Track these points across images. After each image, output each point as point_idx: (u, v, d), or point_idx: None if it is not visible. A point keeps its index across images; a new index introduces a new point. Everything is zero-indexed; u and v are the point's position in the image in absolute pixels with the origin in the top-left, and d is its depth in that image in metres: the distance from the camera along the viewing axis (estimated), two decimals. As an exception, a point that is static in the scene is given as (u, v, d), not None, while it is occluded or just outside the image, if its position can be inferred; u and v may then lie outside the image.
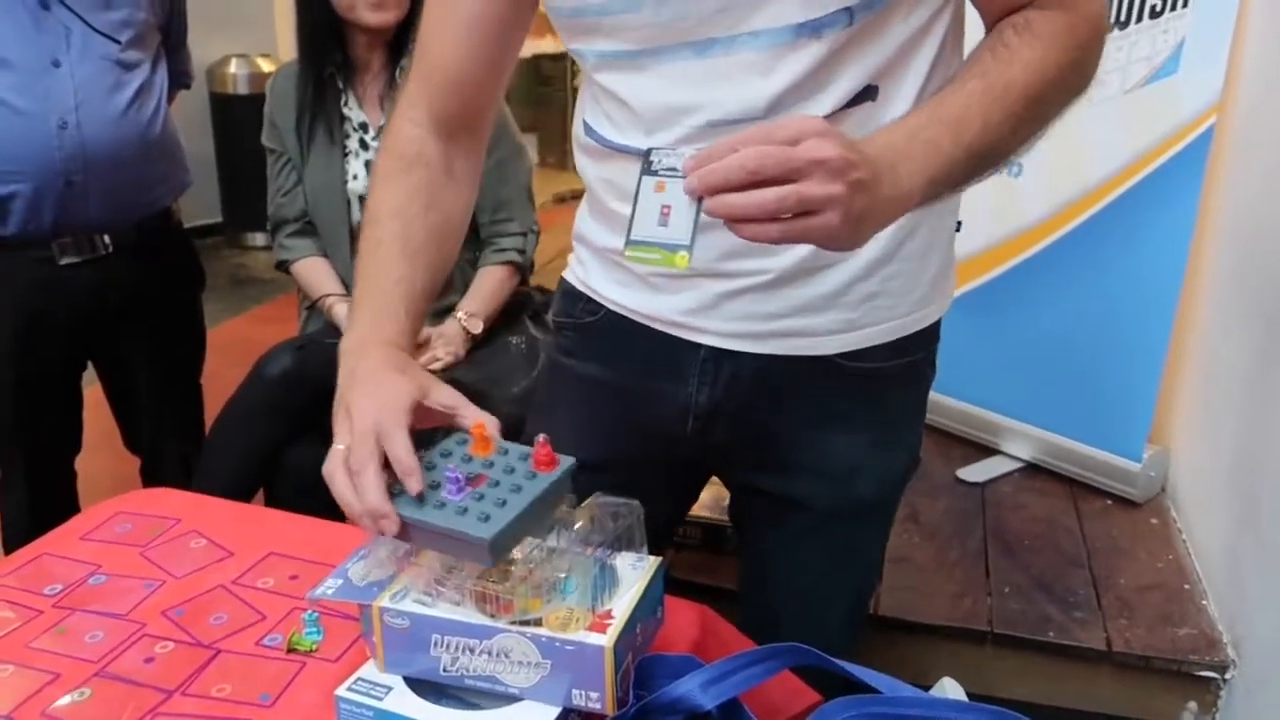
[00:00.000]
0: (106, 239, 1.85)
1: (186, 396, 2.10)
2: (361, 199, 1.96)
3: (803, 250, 0.92)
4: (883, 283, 0.96)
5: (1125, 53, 2.14)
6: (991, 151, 0.80)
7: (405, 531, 0.78)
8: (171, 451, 2.08)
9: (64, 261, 1.83)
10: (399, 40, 1.94)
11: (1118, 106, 2.16)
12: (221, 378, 2.13)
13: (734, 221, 0.68)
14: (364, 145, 2.00)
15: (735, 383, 1.00)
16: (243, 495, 1.86)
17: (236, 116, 4.76)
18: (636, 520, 0.83)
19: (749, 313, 0.96)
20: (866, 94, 0.87)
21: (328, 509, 1.90)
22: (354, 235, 1.94)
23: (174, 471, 2.04)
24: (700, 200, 0.68)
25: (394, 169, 0.98)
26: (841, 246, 0.73)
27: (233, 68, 4.87)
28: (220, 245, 4.98)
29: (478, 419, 0.83)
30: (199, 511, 1.21)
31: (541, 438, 0.82)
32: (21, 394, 1.90)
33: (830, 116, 0.86)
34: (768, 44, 0.84)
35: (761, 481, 1.06)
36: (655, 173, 0.71)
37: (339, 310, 1.96)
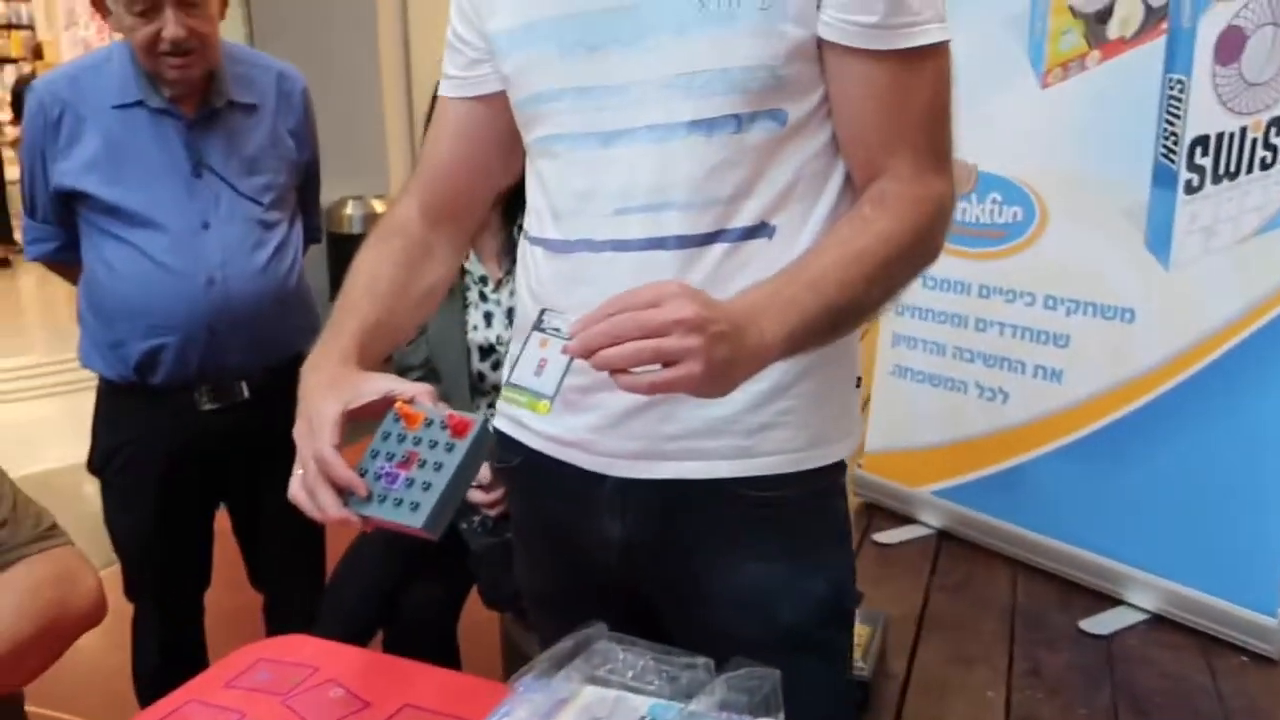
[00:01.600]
0: (244, 385, 1.95)
1: (309, 537, 2.16)
2: (480, 349, 2.04)
3: None
4: (776, 415, 1.00)
5: (1236, 203, 2.16)
6: (849, 308, 0.88)
7: (369, 521, 0.91)
8: (294, 590, 2.14)
9: (205, 408, 1.93)
10: (515, 200, 2.05)
11: (1231, 256, 2.16)
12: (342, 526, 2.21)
13: (609, 372, 0.78)
14: (483, 297, 2.10)
15: (643, 513, 1.05)
16: (363, 636, 1.92)
17: (351, 255, 4.94)
18: (773, 688, 0.86)
19: (649, 432, 1.01)
20: (763, 230, 0.96)
21: (443, 651, 1.95)
22: (473, 382, 2.03)
23: (296, 610, 2.10)
24: (569, 361, 0.81)
25: (377, 238, 1.12)
26: (710, 393, 0.81)
27: (349, 209, 5.13)
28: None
29: (399, 397, 0.93)
30: (335, 660, 1.25)
31: (446, 409, 0.91)
32: (162, 534, 1.99)
33: (731, 249, 0.95)
34: (663, 137, 0.93)
35: (688, 614, 1.09)
36: (544, 330, 0.85)
37: (457, 454, 2.04)
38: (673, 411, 1.01)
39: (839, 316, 0.88)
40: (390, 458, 0.93)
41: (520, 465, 1.16)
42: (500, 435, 1.19)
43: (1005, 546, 2.59)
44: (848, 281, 0.87)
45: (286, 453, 2.26)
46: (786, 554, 1.05)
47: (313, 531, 2.18)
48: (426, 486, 0.89)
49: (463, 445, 0.91)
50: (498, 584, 1.92)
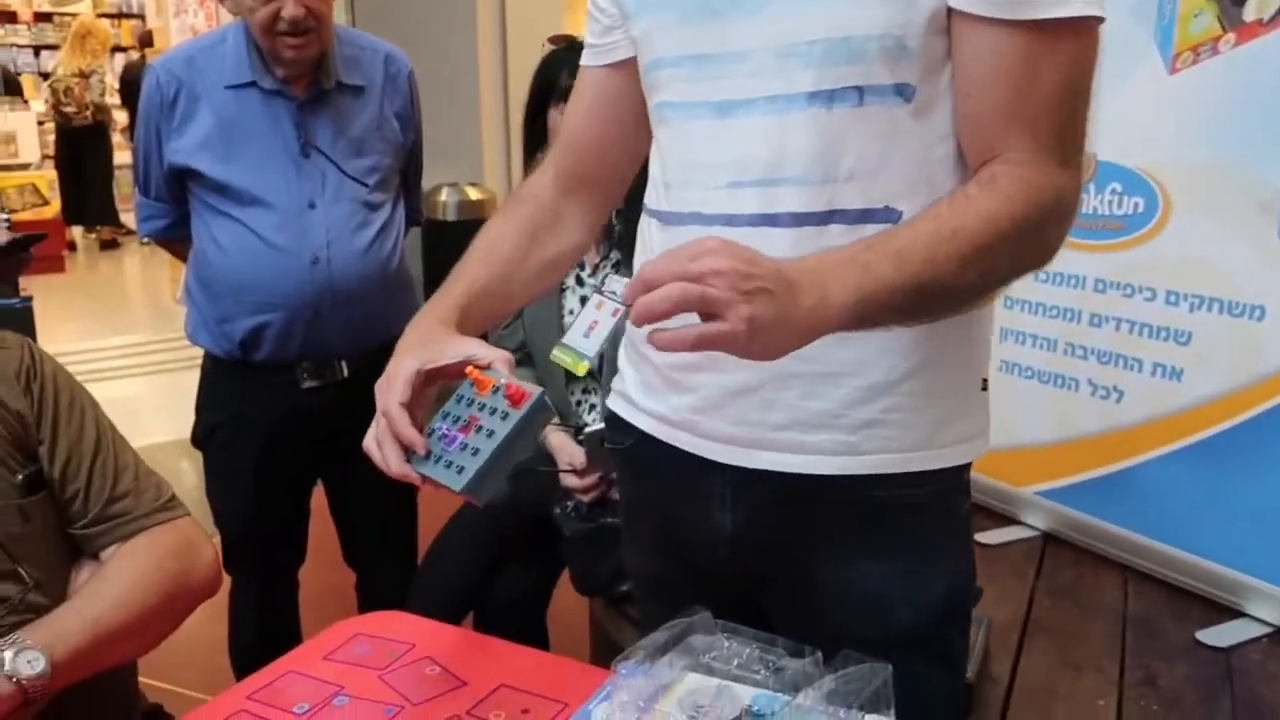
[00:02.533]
0: (344, 364, 1.98)
1: (403, 518, 2.20)
2: (578, 333, 2.05)
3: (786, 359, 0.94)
4: (882, 412, 0.98)
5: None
6: (934, 288, 0.83)
7: (428, 481, 0.94)
8: (386, 570, 2.18)
9: (306, 385, 1.97)
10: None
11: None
12: (436, 498, 2.26)
13: (651, 322, 0.78)
14: (580, 282, 2.10)
15: (753, 506, 1.04)
16: (456, 616, 1.95)
17: (446, 241, 5.00)
18: (884, 683, 0.84)
19: (752, 419, 1.00)
20: (886, 214, 0.92)
21: (532, 635, 1.98)
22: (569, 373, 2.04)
23: (388, 589, 2.14)
24: (616, 323, 0.79)
25: (507, 206, 1.15)
26: (757, 354, 0.79)
27: (444, 195, 5.20)
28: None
29: (476, 362, 0.95)
30: (432, 638, 1.27)
31: (506, 379, 0.93)
32: (261, 509, 2.04)
33: (848, 231, 0.92)
34: (782, 108, 0.91)
35: (797, 610, 1.07)
36: (602, 292, 0.84)
37: (552, 439, 2.04)
38: (774, 399, 1.00)
39: (921, 295, 0.83)
40: (455, 421, 0.96)
41: (632, 448, 1.16)
42: (612, 417, 1.19)
43: (1115, 551, 2.51)
44: (936, 259, 0.83)
45: None
46: (904, 553, 1.03)
47: (405, 511, 2.21)
48: (475, 452, 0.92)
49: (516, 415, 0.92)
50: (590, 570, 1.93)
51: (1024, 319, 2.72)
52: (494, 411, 0.94)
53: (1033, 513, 2.73)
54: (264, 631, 2.12)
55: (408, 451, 0.95)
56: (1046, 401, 2.67)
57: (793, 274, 0.80)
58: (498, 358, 0.96)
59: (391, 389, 0.95)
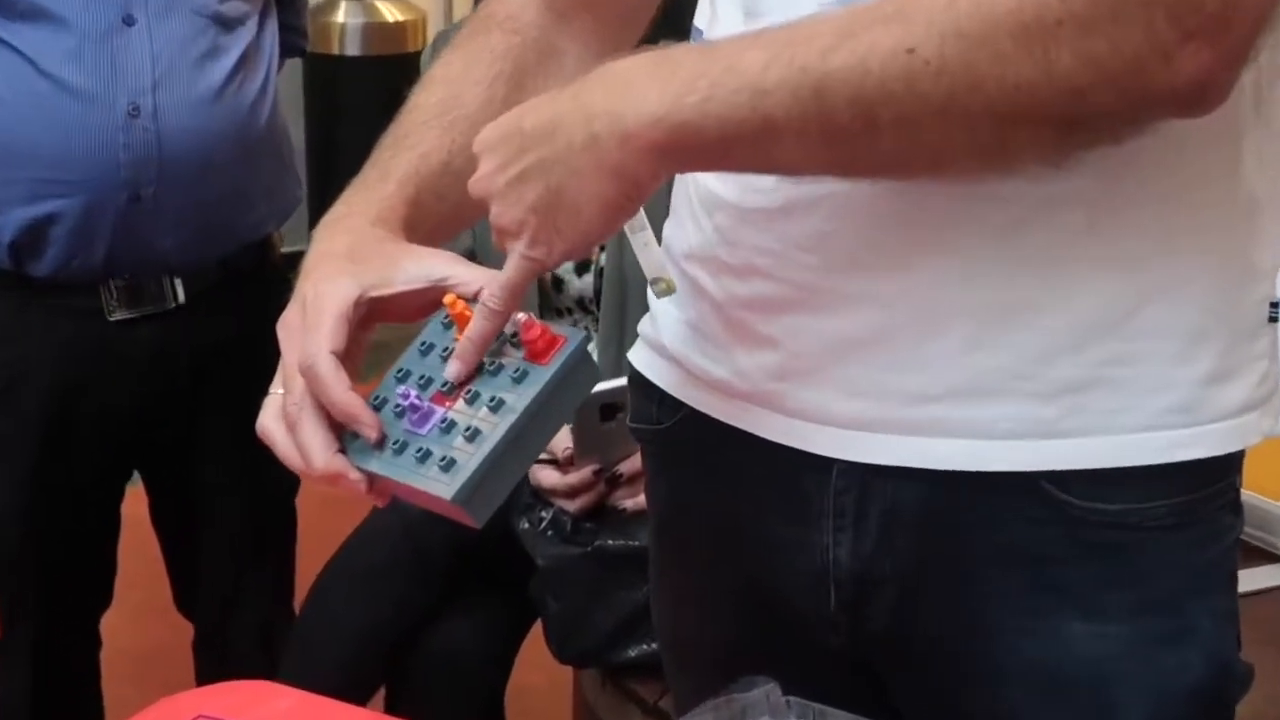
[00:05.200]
0: (179, 285, 1.99)
1: (276, 533, 2.20)
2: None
3: (930, 269, 0.96)
4: (1099, 367, 0.97)
5: None
6: (849, 99, 0.82)
7: (377, 484, 0.94)
8: (247, 616, 2.18)
9: (117, 317, 1.97)
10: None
11: None
12: (328, 507, 2.25)
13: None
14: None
15: (894, 526, 1.03)
16: (357, 691, 1.94)
17: (345, 86, 5.02)
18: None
19: (879, 385, 1.00)
20: None
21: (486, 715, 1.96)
22: (544, 290, 2.05)
23: (248, 648, 2.15)
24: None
25: (471, 30, 1.17)
26: (555, 248, 0.91)
27: (341, 14, 5.12)
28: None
29: (455, 289, 0.96)
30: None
31: (524, 315, 0.94)
32: (40, 520, 2.03)
33: None
34: None
35: (952, 694, 1.07)
36: None
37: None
38: (916, 351, 0.99)
39: (823, 113, 0.83)
40: (425, 384, 0.95)
41: (672, 431, 1.16)
42: (638, 381, 1.20)
43: None
44: (856, 45, 0.81)
45: (244, 396, 2.31)
46: (1136, 608, 1.02)
47: (278, 528, 2.21)
48: (473, 436, 0.91)
49: (542, 376, 0.92)
50: (577, 623, 1.92)
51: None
52: (498, 370, 0.94)
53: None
54: (45, 709, 2.11)
55: (342, 436, 0.95)
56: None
57: (556, 108, 0.90)
58: (491, 283, 0.95)
59: (314, 330, 0.95)
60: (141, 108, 1.89)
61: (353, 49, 5.06)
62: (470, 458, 0.90)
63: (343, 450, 0.94)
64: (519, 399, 0.91)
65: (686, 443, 1.16)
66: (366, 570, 2.01)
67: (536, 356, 0.93)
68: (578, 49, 1.18)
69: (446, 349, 0.96)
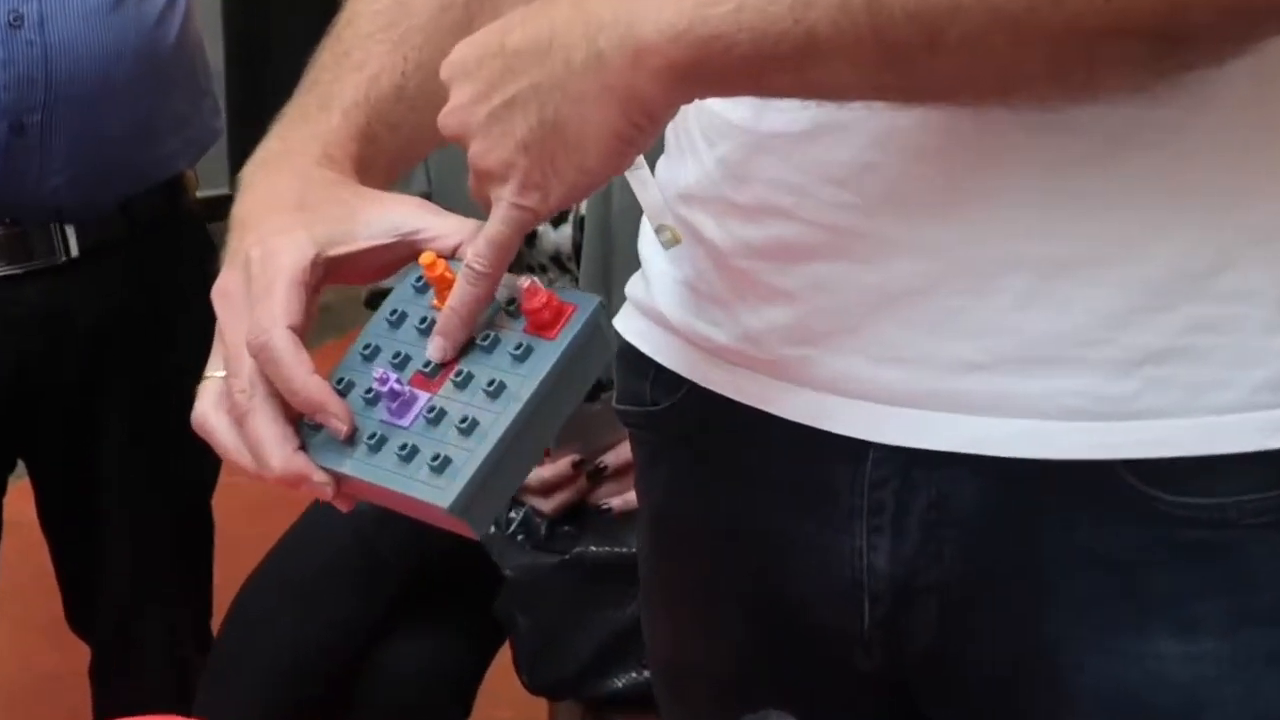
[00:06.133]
0: (71, 234, 1.97)
1: (190, 536, 2.19)
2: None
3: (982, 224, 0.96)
4: (1182, 333, 0.96)
5: None
6: (921, 14, 0.82)
7: (344, 487, 0.93)
8: (155, 636, 2.18)
9: (-4, 273, 1.96)
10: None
11: None
12: (253, 506, 2.23)
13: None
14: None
15: (942, 525, 1.03)
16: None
17: (266, 5, 5.00)
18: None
19: (916, 350, 0.99)
20: None
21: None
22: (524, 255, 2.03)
23: (155, 675, 2.14)
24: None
25: None
26: (552, 195, 0.89)
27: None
28: (226, 239, 5.14)
29: (431, 246, 0.96)
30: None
31: (528, 279, 0.93)
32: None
33: None
34: None
35: None
36: None
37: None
38: (963, 309, 0.98)
39: (890, 25, 0.82)
40: (401, 364, 0.94)
41: (670, 412, 1.15)
42: (628, 353, 1.19)
43: None
44: None
45: (151, 369, 2.30)
46: (1234, 620, 1.00)
47: (195, 522, 2.21)
48: (470, 428, 0.89)
49: (551, 353, 0.91)
50: (551, 644, 1.93)
51: None
52: (493, 344, 0.92)
53: None
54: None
55: (300, 429, 0.94)
56: None
57: (550, 19, 0.88)
58: (473, 237, 0.95)
59: (264, 298, 0.93)
60: (25, 16, 1.88)
61: None
62: (469, 456, 0.88)
63: (302, 447, 0.93)
64: (524, 382, 0.90)
65: (686, 427, 1.15)
66: (301, 581, 2.00)
67: (541, 329, 0.92)
68: None
69: (424, 319, 0.95)
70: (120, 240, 2.02)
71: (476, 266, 0.91)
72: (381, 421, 0.92)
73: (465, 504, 0.87)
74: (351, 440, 0.92)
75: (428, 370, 0.92)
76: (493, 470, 0.88)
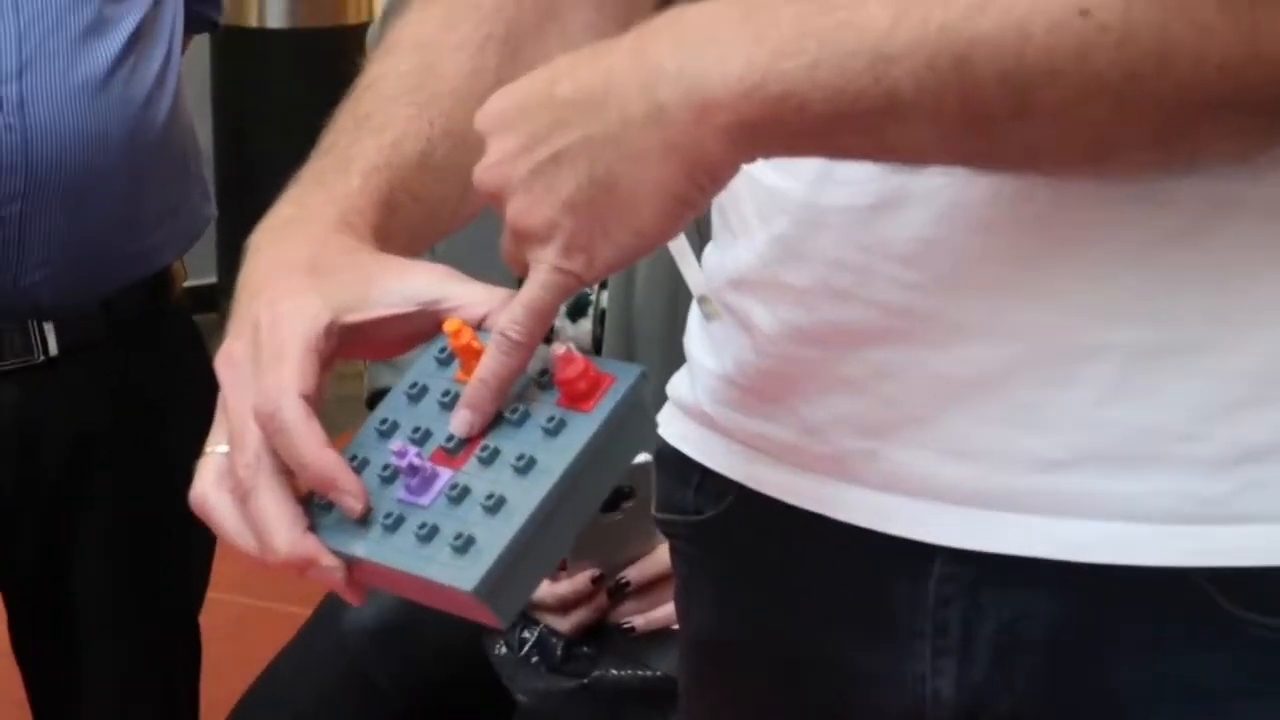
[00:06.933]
0: (50, 332, 1.94)
1: (174, 658, 2.15)
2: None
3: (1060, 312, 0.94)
4: None
5: None
6: (1013, 78, 0.80)
7: (356, 572, 0.90)
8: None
9: (-31, 374, 1.93)
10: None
11: None
12: (242, 625, 2.19)
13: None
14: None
15: (1015, 647, 1.00)
16: None
17: (266, 75, 5.00)
18: None
19: (988, 445, 0.97)
20: None
21: None
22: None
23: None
24: None
25: None
26: (597, 263, 0.87)
27: (260, -19, 5.13)
28: (215, 332, 5.04)
29: (456, 314, 0.93)
30: None
31: (564, 347, 0.91)
32: None
33: None
34: None
35: None
36: None
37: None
38: (1042, 401, 0.95)
39: (963, 86, 0.81)
40: (422, 439, 0.91)
41: (714, 522, 1.13)
42: (670, 455, 1.18)
43: None
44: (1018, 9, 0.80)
45: (135, 473, 2.23)
46: None
47: (180, 643, 2.15)
48: (496, 506, 0.87)
49: (587, 427, 0.89)
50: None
51: None
52: (522, 419, 0.90)
53: None
54: None
55: (309, 508, 0.91)
56: None
57: (607, 66, 0.86)
58: (505, 305, 0.92)
59: (274, 365, 0.91)
60: (3, 98, 1.85)
61: (276, 20, 5.08)
62: (495, 535, 0.86)
63: (311, 528, 0.90)
64: (557, 458, 0.88)
65: (734, 538, 1.13)
66: (294, 712, 1.96)
67: (576, 401, 0.90)
68: (588, 10, 1.16)
69: (447, 393, 0.93)
70: (102, 338, 2.00)
71: (512, 335, 0.89)
72: (399, 500, 0.90)
73: (491, 587, 0.85)
74: (366, 521, 0.90)
75: (451, 446, 0.91)
76: (521, 552, 0.86)
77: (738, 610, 1.16)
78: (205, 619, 2.19)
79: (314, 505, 0.91)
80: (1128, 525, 0.96)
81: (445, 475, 0.90)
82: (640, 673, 1.80)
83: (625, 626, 1.86)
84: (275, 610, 2.05)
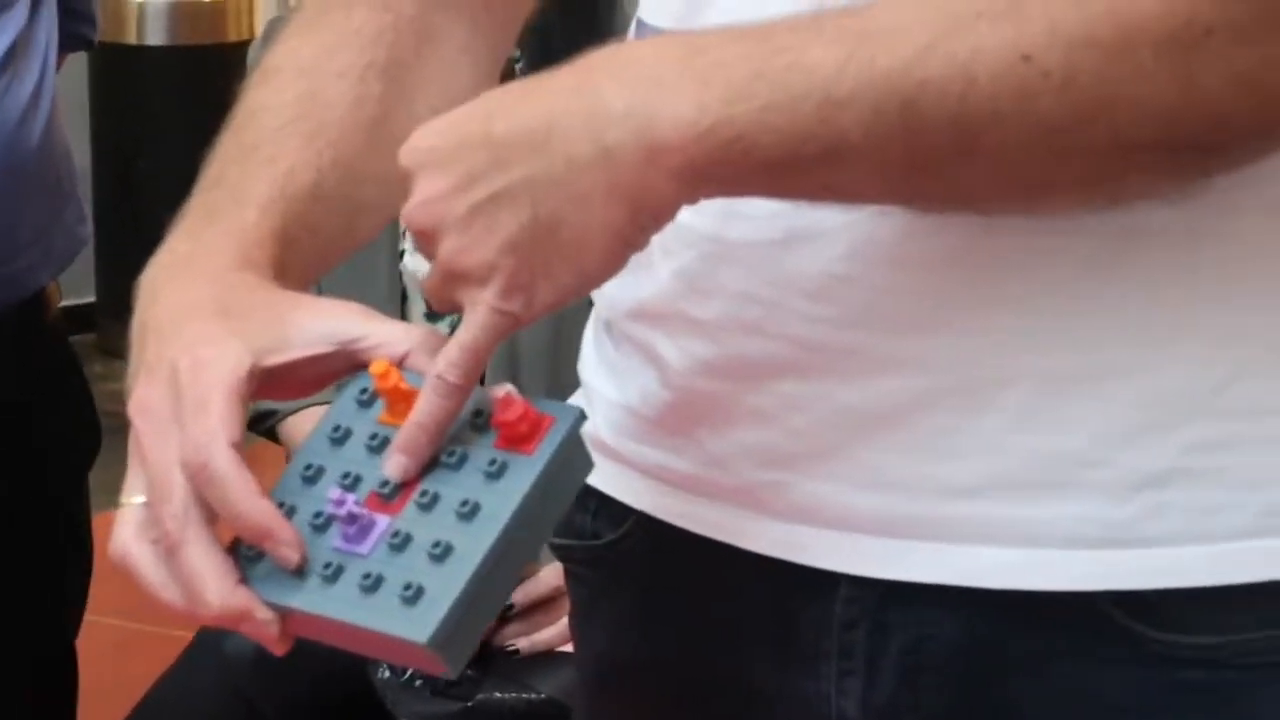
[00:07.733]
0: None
1: (51, 686, 2.13)
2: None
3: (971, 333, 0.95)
4: (1187, 453, 0.96)
5: None
6: (958, 121, 0.82)
7: (289, 624, 0.88)
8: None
9: None
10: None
11: None
12: (121, 649, 2.17)
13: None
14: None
15: (920, 668, 1.01)
16: None
17: (145, 93, 4.96)
18: None
19: (896, 473, 0.98)
20: None
21: None
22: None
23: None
24: None
25: (321, 5, 1.15)
26: (536, 303, 0.87)
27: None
28: (92, 354, 5.03)
29: (376, 354, 0.92)
30: None
31: (504, 389, 0.91)
32: None
33: None
34: None
35: None
36: None
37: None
38: (952, 430, 0.96)
39: (908, 129, 0.82)
40: (352, 484, 0.90)
41: (613, 548, 1.13)
42: None
43: None
44: (955, 48, 0.81)
45: (6, 498, 2.22)
46: None
47: (58, 671, 2.13)
48: (443, 554, 0.86)
49: (530, 470, 0.88)
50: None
51: None
52: (461, 463, 0.89)
53: None
54: None
55: (240, 561, 0.90)
56: None
57: (547, 106, 0.86)
58: (423, 342, 0.92)
59: (199, 413, 0.90)
60: None
61: (155, 37, 5.03)
62: (446, 584, 0.85)
63: (243, 579, 0.89)
64: (502, 502, 0.87)
65: (633, 563, 1.14)
66: None
67: (517, 443, 0.89)
68: (462, 32, 1.17)
69: (374, 435, 0.92)
70: None
71: (450, 378, 0.88)
72: (335, 549, 0.88)
73: (445, 638, 0.84)
74: (301, 571, 0.88)
75: (385, 491, 0.89)
76: (472, 600, 0.85)
77: (639, 633, 1.16)
78: (83, 643, 2.16)
79: (242, 555, 0.89)
80: (1033, 551, 0.96)
81: (383, 522, 0.89)
82: (525, 695, 1.82)
83: (509, 649, 1.89)
84: (155, 634, 2.04)
